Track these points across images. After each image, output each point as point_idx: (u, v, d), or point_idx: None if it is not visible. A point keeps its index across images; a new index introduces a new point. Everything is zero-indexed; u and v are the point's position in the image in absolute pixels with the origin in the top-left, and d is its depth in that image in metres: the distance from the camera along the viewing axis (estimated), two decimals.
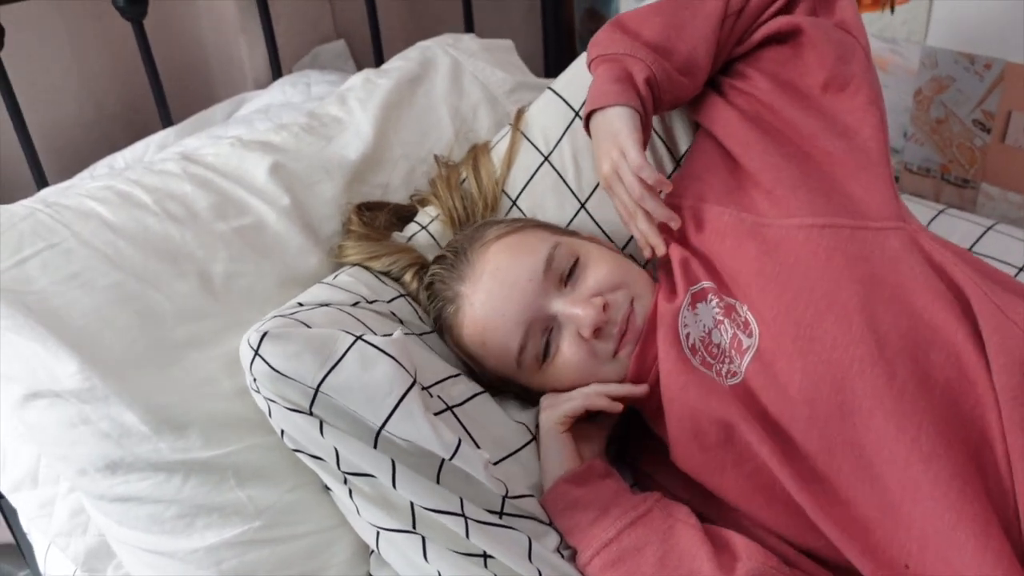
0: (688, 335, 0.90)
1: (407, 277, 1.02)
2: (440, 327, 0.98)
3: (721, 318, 0.89)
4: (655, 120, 1.10)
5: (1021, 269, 1.12)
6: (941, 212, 1.25)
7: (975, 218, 1.24)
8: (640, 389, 0.91)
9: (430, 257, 1.03)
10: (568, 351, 0.91)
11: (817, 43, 0.96)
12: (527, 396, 0.99)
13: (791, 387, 0.83)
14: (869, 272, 0.84)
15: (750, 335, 0.88)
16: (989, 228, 1.20)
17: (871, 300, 0.82)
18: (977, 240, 1.18)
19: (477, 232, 0.99)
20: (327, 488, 0.88)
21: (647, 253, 0.95)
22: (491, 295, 0.92)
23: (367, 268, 1.02)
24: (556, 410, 0.91)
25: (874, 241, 0.86)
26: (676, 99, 1.00)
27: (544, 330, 0.92)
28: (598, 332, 0.90)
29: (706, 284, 0.92)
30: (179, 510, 0.84)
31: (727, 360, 0.88)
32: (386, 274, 1.03)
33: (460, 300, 0.94)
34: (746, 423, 0.83)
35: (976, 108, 1.31)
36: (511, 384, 0.97)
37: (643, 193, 0.91)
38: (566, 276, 0.93)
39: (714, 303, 0.90)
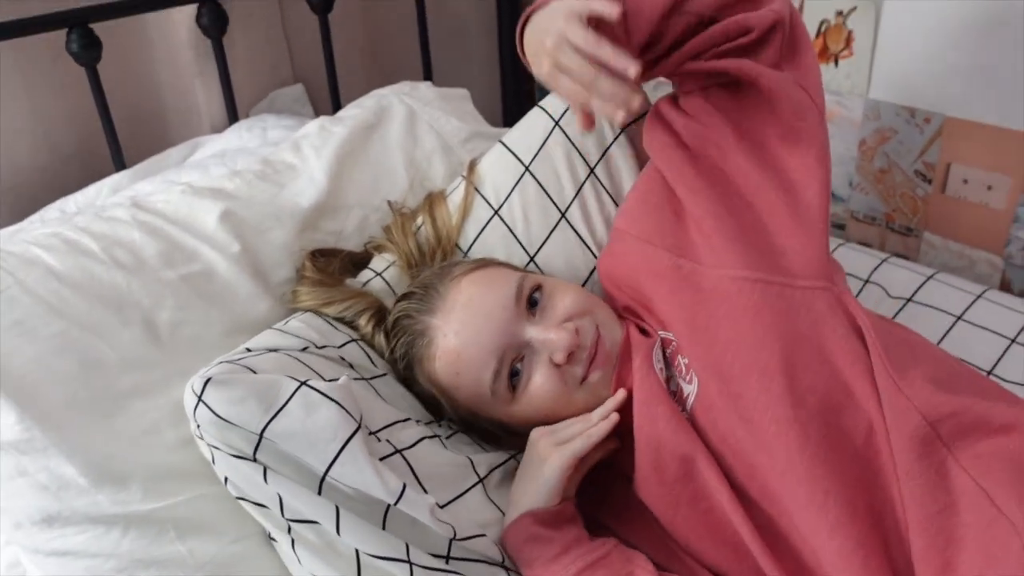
0: (661, 369, 0.92)
1: (362, 321, 1.03)
2: (408, 363, 0.99)
3: (670, 366, 0.92)
4: (600, 167, 1.12)
5: (959, 318, 1.15)
6: (884, 261, 1.28)
7: (916, 267, 1.27)
8: (620, 395, 0.91)
9: (387, 303, 1.04)
10: (540, 378, 0.92)
11: (777, 96, 0.95)
12: (494, 433, 0.99)
13: (730, 438, 0.85)
14: (793, 331, 0.85)
15: (690, 382, 0.90)
16: (929, 277, 1.23)
17: (792, 360, 0.83)
18: (918, 289, 1.21)
19: (444, 270, 1.00)
20: (271, 539, 0.87)
21: (619, 118, 0.80)
22: (465, 325, 0.93)
23: (320, 314, 1.02)
24: (565, 452, 0.89)
25: (801, 300, 0.87)
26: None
27: (516, 358, 0.93)
28: (570, 357, 0.92)
29: (663, 334, 0.95)
30: (117, 564, 0.83)
31: (680, 407, 0.90)
32: (340, 319, 1.03)
33: (433, 332, 0.95)
34: (707, 460, 0.85)
35: (917, 159, 1.35)
36: (480, 419, 0.98)
37: (598, 40, 0.78)
38: (534, 306, 0.95)
39: (666, 352, 0.93)
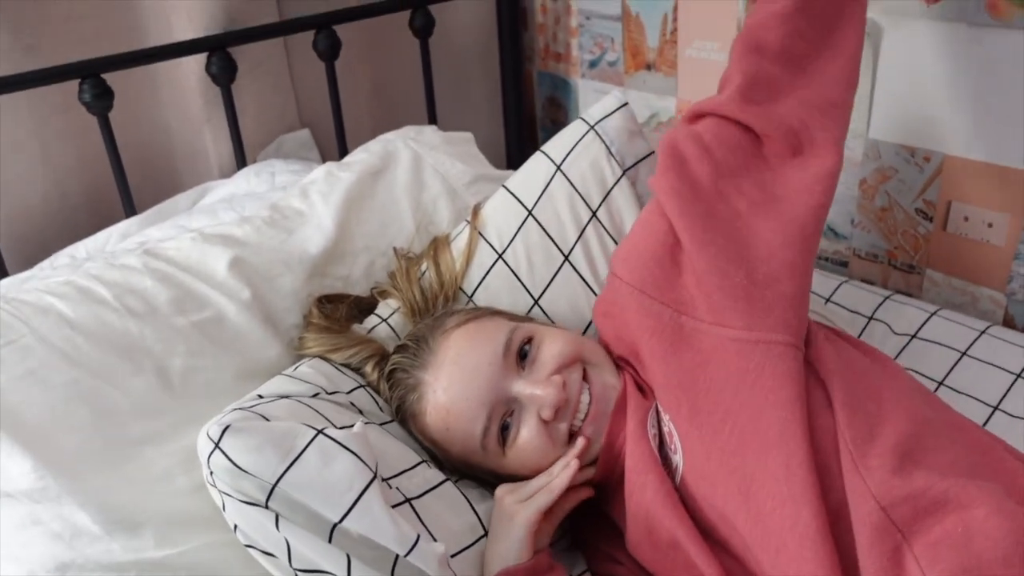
0: (654, 435, 0.92)
1: (368, 368, 1.03)
2: (403, 416, 0.99)
3: (667, 432, 0.90)
4: (602, 210, 1.14)
5: (963, 354, 1.16)
6: (887, 298, 1.29)
7: (920, 304, 1.28)
8: (579, 444, 0.92)
9: (391, 349, 1.05)
10: (527, 433, 0.92)
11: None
12: (491, 481, 0.99)
13: (726, 509, 0.84)
14: (791, 397, 0.82)
15: (675, 451, 0.89)
16: (933, 314, 1.24)
17: (789, 431, 0.80)
18: (922, 325, 1.22)
19: (437, 321, 1.01)
20: None
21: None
22: (453, 380, 0.93)
23: (327, 360, 1.03)
24: (529, 508, 0.90)
25: (797, 363, 0.84)
26: None
27: (506, 412, 0.93)
28: (557, 413, 0.92)
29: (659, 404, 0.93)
30: None
31: (671, 474, 0.89)
32: (347, 366, 1.04)
33: (423, 387, 0.95)
34: (693, 540, 0.84)
35: (918, 198, 1.36)
36: (475, 469, 0.98)
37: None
38: (523, 358, 0.95)
39: (660, 417, 0.91)
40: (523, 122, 1.92)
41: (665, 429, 0.90)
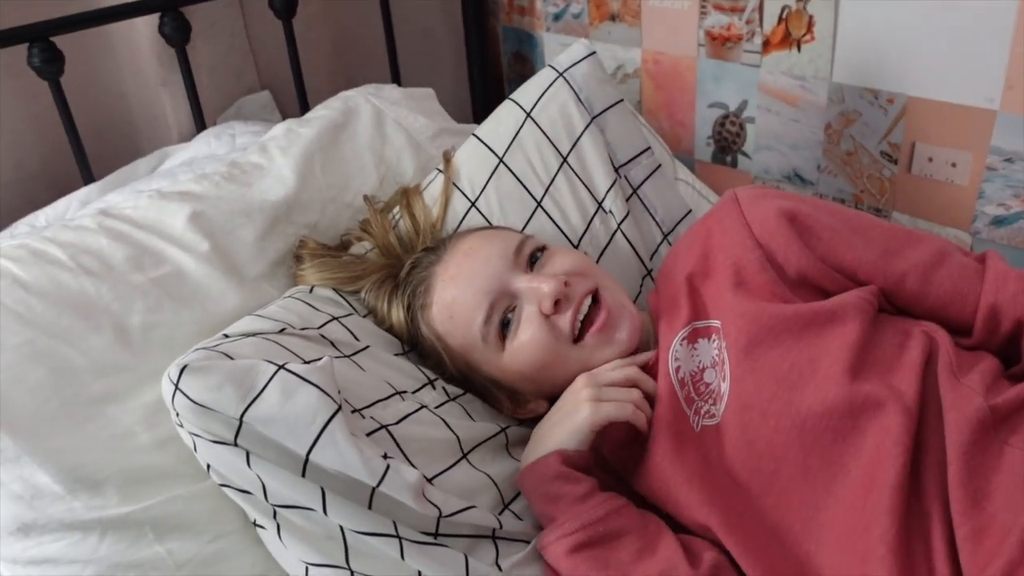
0: (679, 368, 0.92)
1: (382, 289, 1.05)
2: (413, 313, 1.01)
3: (718, 359, 0.91)
4: (572, 156, 1.14)
5: None
6: None
7: None
8: (648, 355, 0.94)
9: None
10: (528, 328, 0.93)
11: None
12: (491, 392, 1.00)
13: (759, 442, 0.85)
14: (855, 335, 0.87)
15: (725, 379, 0.89)
16: None
17: (852, 374, 0.84)
18: None
19: (459, 232, 1.05)
20: (256, 525, 0.86)
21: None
22: (462, 269, 0.96)
23: (304, 300, 1.02)
24: (600, 411, 0.89)
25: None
26: None
27: (508, 308, 0.95)
28: (557, 305, 0.93)
29: (715, 323, 0.93)
30: (96, 570, 0.82)
31: (711, 400, 0.90)
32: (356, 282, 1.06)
33: (433, 278, 0.98)
34: (687, 486, 0.86)
35: (883, 140, 1.36)
36: (476, 372, 0.99)
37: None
38: (533, 263, 0.97)
39: (716, 343, 0.92)
40: (489, 78, 1.90)
41: (716, 355, 0.91)
